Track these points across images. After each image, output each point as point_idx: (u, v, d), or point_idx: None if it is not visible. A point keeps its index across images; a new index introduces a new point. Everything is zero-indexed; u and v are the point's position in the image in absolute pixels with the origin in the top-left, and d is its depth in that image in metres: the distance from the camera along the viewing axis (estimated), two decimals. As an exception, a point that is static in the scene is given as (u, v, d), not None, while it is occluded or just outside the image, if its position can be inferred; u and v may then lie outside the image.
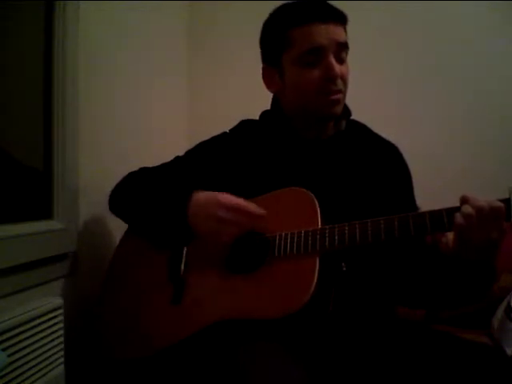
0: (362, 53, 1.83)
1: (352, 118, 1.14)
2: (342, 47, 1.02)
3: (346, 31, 1.04)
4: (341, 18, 1.03)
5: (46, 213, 1.15)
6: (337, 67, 1.00)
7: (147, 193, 1.11)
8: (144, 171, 1.19)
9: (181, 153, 1.21)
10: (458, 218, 0.81)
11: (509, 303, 1.44)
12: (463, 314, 1.53)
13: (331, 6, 1.03)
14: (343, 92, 1.04)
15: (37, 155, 1.13)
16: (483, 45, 1.87)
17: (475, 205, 0.80)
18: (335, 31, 1.01)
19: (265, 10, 1.09)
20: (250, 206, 0.95)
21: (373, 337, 0.97)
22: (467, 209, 0.80)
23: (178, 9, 2.00)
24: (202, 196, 1.00)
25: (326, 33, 1.00)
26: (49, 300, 1.08)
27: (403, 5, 1.91)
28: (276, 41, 1.05)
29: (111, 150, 1.44)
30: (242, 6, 1.99)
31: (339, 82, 1.02)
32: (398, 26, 1.93)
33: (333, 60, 1.00)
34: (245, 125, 1.19)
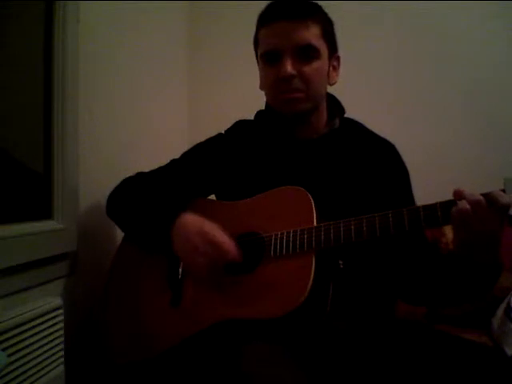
0: (360, 51, 1.84)
1: (347, 116, 1.13)
2: (304, 46, 1.00)
3: (320, 25, 1.02)
4: (309, 14, 1.01)
5: (46, 213, 1.15)
6: (289, 67, 0.99)
7: (139, 205, 1.10)
8: (140, 177, 1.18)
9: (181, 153, 1.21)
10: (454, 213, 0.79)
11: (509, 303, 1.44)
12: (463, 314, 1.53)
13: (299, 3, 1.02)
14: (303, 91, 1.02)
15: (37, 155, 1.13)
16: (483, 44, 1.87)
17: (471, 199, 0.78)
18: (298, 30, 0.99)
19: (265, 10, 1.08)
20: (230, 247, 0.93)
21: (372, 336, 0.97)
22: (463, 204, 0.78)
23: (177, 9, 2.00)
24: (188, 219, 0.99)
25: (285, 32, 1.00)
26: (49, 300, 1.08)
27: (404, 4, 1.91)
28: (254, 39, 1.11)
29: (111, 150, 1.44)
30: (242, 5, 1.98)
31: (296, 81, 1.01)
32: (397, 26, 1.93)
33: (287, 61, 1.00)
34: (240, 125, 1.20)
